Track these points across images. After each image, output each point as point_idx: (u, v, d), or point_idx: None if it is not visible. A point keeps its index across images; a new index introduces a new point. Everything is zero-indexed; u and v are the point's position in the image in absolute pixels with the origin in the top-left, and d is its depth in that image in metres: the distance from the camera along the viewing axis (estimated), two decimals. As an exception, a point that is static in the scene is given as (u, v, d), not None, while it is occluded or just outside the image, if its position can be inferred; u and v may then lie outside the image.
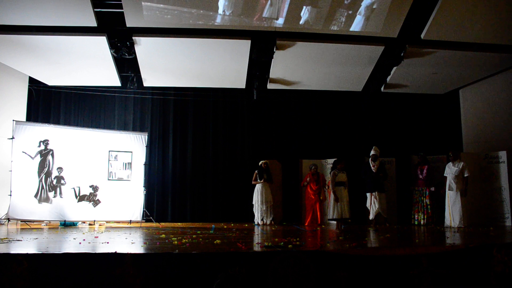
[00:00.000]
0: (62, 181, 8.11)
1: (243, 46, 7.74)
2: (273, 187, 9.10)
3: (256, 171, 8.92)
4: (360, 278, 4.02)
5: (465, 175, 7.79)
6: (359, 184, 8.74)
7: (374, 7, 6.91)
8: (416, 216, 8.35)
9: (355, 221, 9.10)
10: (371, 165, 8.06)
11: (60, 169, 8.11)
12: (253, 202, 8.81)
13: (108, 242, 5.13)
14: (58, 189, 8.05)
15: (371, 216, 7.96)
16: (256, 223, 8.72)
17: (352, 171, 9.26)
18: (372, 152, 8.16)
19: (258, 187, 8.82)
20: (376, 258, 4.18)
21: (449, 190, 7.84)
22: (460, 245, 4.69)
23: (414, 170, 8.56)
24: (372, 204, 7.93)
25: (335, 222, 7.45)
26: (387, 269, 4.11)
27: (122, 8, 6.69)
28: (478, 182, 8.51)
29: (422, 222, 8.23)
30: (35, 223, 8.00)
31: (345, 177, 7.34)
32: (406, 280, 4.09)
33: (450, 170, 7.87)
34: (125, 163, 8.64)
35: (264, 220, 8.68)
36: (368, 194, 8.11)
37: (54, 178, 8.05)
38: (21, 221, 7.85)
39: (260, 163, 8.94)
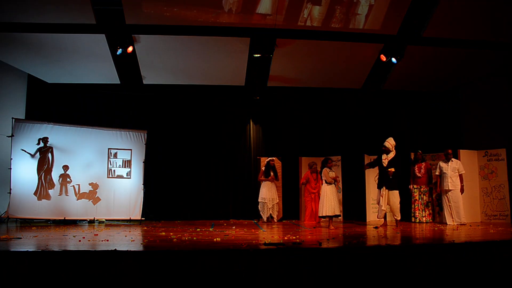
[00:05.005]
0: (68, 179, 8.14)
1: (243, 44, 7.73)
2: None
3: (263, 168, 8.90)
4: (359, 275, 4.02)
5: (461, 173, 7.84)
6: (354, 181, 8.76)
7: (373, 4, 6.90)
8: (416, 214, 8.35)
9: (350, 218, 9.14)
10: (382, 159, 7.52)
11: (65, 167, 8.15)
12: (260, 200, 8.79)
13: (107, 240, 5.13)
14: (63, 188, 8.07)
15: (378, 215, 7.57)
16: (255, 220, 8.73)
17: (349, 168, 9.35)
18: (384, 144, 7.56)
19: (264, 185, 8.79)
20: (376, 255, 4.18)
21: (450, 188, 7.83)
22: (459, 242, 4.70)
23: (412, 168, 8.53)
24: (381, 201, 7.45)
25: (327, 219, 7.49)
26: (387, 266, 4.12)
27: (121, 6, 6.67)
28: (478, 179, 8.52)
29: (422, 220, 8.24)
30: (34, 221, 8.00)
31: (334, 175, 7.60)
32: (406, 276, 4.09)
33: (448, 168, 7.86)
34: (125, 161, 8.64)
35: (271, 217, 8.68)
36: (378, 191, 7.75)
37: (59, 177, 8.07)
38: (20, 219, 7.85)
39: (267, 160, 8.90)
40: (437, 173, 8.12)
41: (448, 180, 7.86)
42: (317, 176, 8.94)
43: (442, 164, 8.01)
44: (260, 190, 8.82)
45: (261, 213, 8.75)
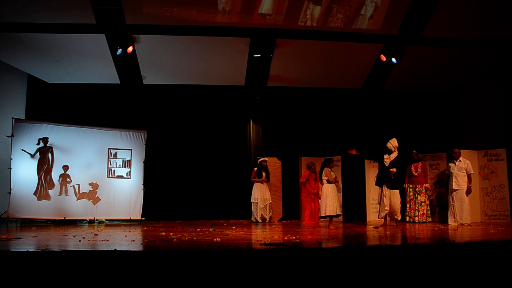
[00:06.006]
0: (68, 179, 8.14)
1: (243, 44, 7.72)
2: (273, 184, 9.11)
3: (255, 169, 8.93)
4: (359, 275, 4.02)
5: (470, 173, 7.82)
6: (354, 181, 8.72)
7: (373, 4, 6.90)
8: (411, 213, 8.36)
9: (350, 218, 9.13)
10: (385, 158, 7.53)
11: (66, 167, 8.15)
12: (252, 200, 8.83)
13: (107, 240, 5.13)
14: (63, 188, 8.07)
15: (379, 214, 7.53)
16: (254, 220, 8.73)
17: (349, 169, 9.35)
18: (386, 145, 7.54)
19: (257, 185, 8.83)
20: (376, 255, 4.18)
21: (455, 188, 7.82)
22: (460, 242, 4.70)
23: (408, 167, 8.51)
24: (382, 201, 7.43)
25: (327, 219, 7.50)
26: (387, 266, 4.12)
27: (121, 6, 6.67)
28: (478, 179, 8.53)
29: (415, 219, 8.24)
30: (34, 221, 8.00)
31: (334, 175, 7.69)
32: (406, 276, 4.09)
33: (455, 168, 7.85)
34: (125, 161, 8.64)
35: (262, 218, 8.70)
36: (380, 190, 7.70)
37: (59, 177, 8.07)
38: (20, 219, 7.85)
39: (259, 161, 8.94)
40: (446, 172, 8.15)
41: (453, 179, 7.85)
42: (316, 176, 8.94)
43: (450, 163, 8.02)
44: (253, 191, 8.86)
45: (254, 213, 8.77)
